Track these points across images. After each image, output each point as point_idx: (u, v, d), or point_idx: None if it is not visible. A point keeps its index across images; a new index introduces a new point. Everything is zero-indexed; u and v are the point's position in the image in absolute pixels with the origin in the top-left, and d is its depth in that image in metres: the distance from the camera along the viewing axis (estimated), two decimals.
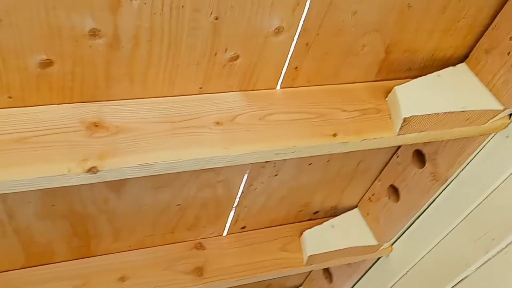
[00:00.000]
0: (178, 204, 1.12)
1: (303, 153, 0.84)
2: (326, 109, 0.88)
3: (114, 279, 1.17)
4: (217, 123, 0.81)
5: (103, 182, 0.75)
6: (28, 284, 1.12)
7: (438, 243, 1.19)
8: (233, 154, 0.79)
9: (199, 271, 1.23)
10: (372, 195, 1.31)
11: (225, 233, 1.30)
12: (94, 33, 0.67)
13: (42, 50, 0.67)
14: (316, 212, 1.36)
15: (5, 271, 1.12)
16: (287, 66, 0.85)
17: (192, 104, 0.82)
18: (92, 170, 0.71)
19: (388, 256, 1.39)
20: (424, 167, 1.12)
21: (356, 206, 1.38)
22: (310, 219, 1.38)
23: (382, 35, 0.86)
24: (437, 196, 1.16)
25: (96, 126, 0.75)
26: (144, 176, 0.77)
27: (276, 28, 0.76)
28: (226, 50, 0.77)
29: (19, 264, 1.12)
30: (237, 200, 1.18)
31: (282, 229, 1.35)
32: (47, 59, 0.68)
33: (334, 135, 0.85)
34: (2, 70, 0.67)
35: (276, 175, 1.14)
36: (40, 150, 0.71)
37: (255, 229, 1.33)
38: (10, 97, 0.72)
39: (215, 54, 0.77)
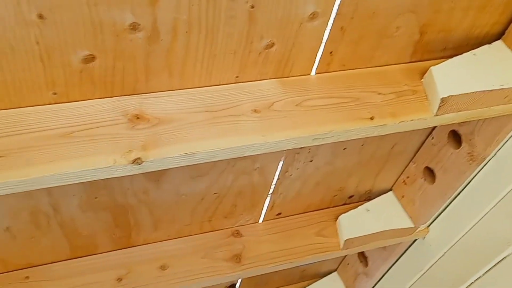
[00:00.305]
0: (215, 193, 1.13)
1: (341, 137, 0.85)
2: (361, 93, 0.88)
3: (155, 268, 1.20)
4: (255, 110, 0.82)
5: (143, 173, 0.76)
6: (73, 275, 1.16)
7: (476, 223, 1.18)
8: (272, 141, 0.80)
9: (237, 258, 1.25)
10: (407, 177, 1.31)
11: (261, 220, 1.31)
12: (134, 27, 0.68)
13: (84, 46, 0.69)
14: (351, 197, 1.36)
15: (51, 263, 1.16)
16: (322, 51, 0.85)
17: (230, 93, 0.83)
18: (136, 161, 0.73)
19: (424, 238, 1.39)
20: (461, 147, 1.11)
21: (390, 190, 1.38)
22: (345, 204, 1.38)
23: (417, 16, 0.85)
24: (474, 176, 1.15)
25: (138, 118, 0.77)
26: (182, 166, 0.78)
27: (311, 14, 0.77)
28: (261, 38, 0.78)
29: (64, 256, 1.16)
30: (272, 187, 1.19)
31: (317, 214, 1.36)
32: (90, 55, 0.70)
33: (371, 118, 0.85)
34: (48, 67, 0.70)
35: (311, 161, 1.14)
36: (86, 144, 0.73)
37: (291, 215, 1.34)
38: (55, 93, 0.74)
39: (251, 42, 0.78)
